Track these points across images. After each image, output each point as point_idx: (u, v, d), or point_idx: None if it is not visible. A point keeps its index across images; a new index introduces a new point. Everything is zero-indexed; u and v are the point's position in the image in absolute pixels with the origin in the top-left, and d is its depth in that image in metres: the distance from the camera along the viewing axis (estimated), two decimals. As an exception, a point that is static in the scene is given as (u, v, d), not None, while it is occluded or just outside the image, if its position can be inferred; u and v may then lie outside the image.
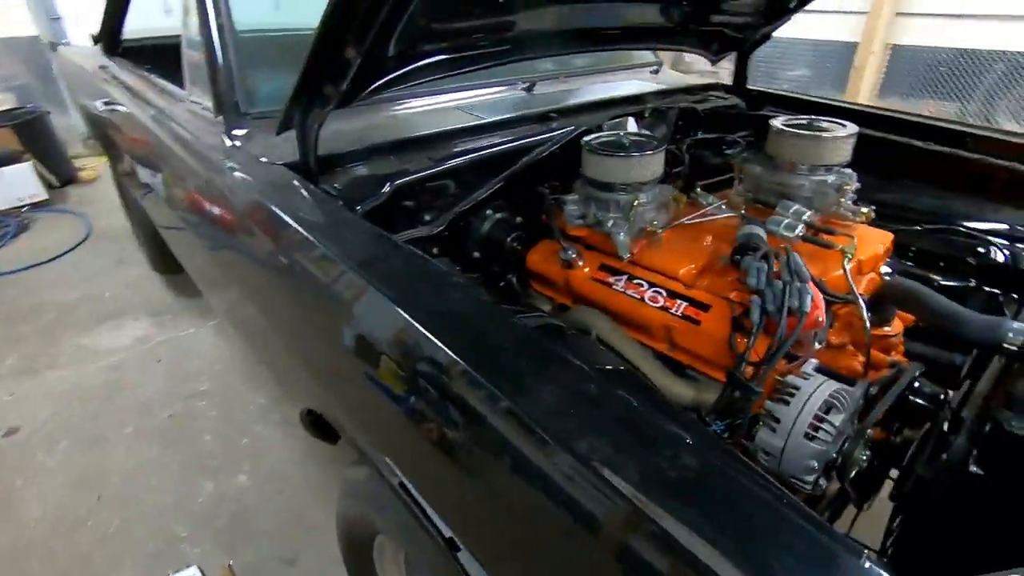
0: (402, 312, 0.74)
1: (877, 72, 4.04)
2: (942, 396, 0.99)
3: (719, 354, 1.01)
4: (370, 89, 1.05)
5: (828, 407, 0.88)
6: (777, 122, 1.23)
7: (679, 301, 1.07)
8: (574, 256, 1.21)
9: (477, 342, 0.70)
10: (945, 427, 0.85)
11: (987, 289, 1.35)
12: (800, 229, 1.09)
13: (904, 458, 0.91)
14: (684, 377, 1.12)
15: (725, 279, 1.13)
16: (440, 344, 0.68)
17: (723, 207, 1.24)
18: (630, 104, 1.63)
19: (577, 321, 1.19)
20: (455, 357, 0.67)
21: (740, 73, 1.93)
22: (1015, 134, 1.54)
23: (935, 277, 1.35)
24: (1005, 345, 0.80)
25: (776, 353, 0.88)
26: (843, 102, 2.01)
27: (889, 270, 1.25)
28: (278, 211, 1.01)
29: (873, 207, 1.19)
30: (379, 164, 1.19)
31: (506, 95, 1.53)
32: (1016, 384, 0.71)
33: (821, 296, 0.98)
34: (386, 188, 1.14)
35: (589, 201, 1.22)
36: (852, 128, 1.17)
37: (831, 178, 1.18)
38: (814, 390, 0.90)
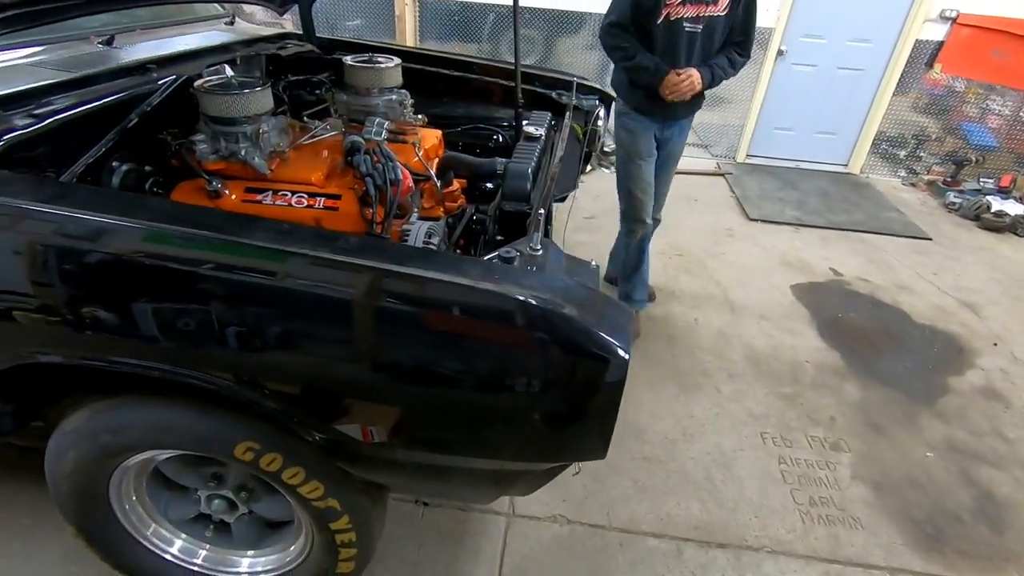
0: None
1: (413, 20, 4.96)
2: (487, 214, 1.66)
3: (357, 226, 1.43)
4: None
5: (429, 235, 1.41)
6: (348, 59, 1.66)
7: (318, 198, 1.44)
8: (220, 186, 1.42)
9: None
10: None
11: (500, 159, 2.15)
12: (384, 133, 1.57)
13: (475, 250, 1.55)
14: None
15: (345, 178, 1.54)
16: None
17: (328, 128, 1.63)
18: (220, 53, 1.81)
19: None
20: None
21: (307, 24, 2.27)
22: (500, 61, 2.37)
23: (474, 159, 2.07)
24: (498, 171, 1.48)
25: (391, 210, 1.36)
26: (393, 44, 2.59)
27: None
28: None
29: (425, 117, 1.77)
30: None
31: (86, 51, 1.49)
32: (505, 183, 1.36)
33: (409, 174, 1.49)
34: None
35: (218, 137, 1.43)
36: (397, 60, 1.69)
37: (394, 97, 1.70)
38: (418, 228, 1.42)
